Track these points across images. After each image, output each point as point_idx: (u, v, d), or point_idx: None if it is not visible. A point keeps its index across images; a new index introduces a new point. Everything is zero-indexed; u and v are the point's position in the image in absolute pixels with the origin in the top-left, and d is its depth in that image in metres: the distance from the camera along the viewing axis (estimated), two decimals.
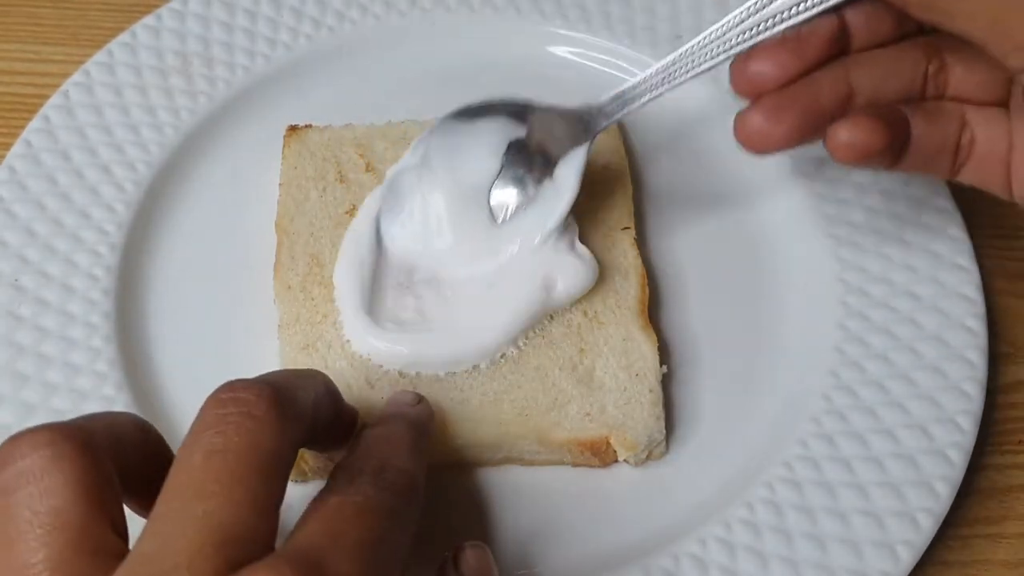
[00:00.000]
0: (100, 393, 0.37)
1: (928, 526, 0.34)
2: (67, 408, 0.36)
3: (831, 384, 0.37)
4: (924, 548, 0.34)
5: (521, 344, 0.37)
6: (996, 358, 0.39)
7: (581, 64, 0.47)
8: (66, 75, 0.45)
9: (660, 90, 0.35)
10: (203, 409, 0.25)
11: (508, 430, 0.36)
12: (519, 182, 0.37)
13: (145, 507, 0.26)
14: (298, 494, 0.35)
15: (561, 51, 0.48)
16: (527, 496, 0.36)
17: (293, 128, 0.43)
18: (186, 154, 0.44)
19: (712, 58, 0.33)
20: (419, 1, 0.48)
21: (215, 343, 0.39)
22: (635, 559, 0.34)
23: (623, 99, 0.36)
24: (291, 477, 0.36)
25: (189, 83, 0.45)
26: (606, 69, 0.47)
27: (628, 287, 0.39)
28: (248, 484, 0.23)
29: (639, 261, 0.39)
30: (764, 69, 0.31)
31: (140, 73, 0.45)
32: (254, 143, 0.44)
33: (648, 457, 0.36)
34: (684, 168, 0.45)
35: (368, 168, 0.42)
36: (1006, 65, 0.28)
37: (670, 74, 0.34)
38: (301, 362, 0.37)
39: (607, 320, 0.38)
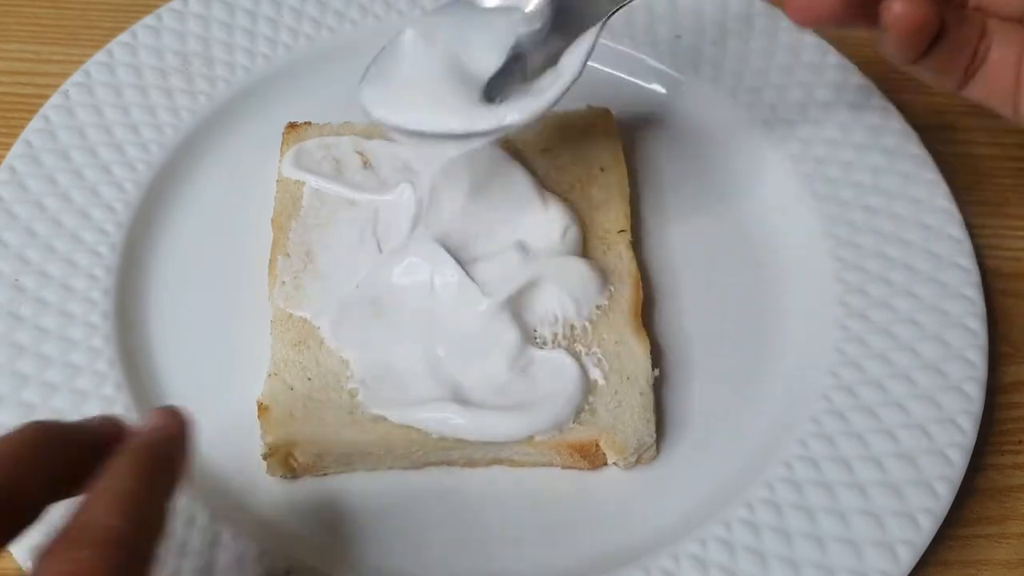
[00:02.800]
0: (100, 393, 0.37)
1: (928, 526, 0.34)
2: (67, 408, 0.36)
3: (831, 384, 0.38)
4: (924, 548, 0.34)
5: None
6: (996, 358, 0.39)
7: None
8: (66, 75, 0.45)
9: None
10: None
11: None
12: (520, 71, 0.35)
13: None
14: (300, 491, 0.36)
15: None
16: (518, 497, 0.36)
17: (293, 125, 0.43)
18: (186, 154, 0.44)
19: None
20: (419, 1, 0.48)
21: (215, 342, 0.39)
22: (631, 560, 0.34)
23: None
24: (280, 474, 0.36)
25: (189, 83, 0.45)
26: (605, 68, 0.47)
27: (622, 290, 0.39)
28: None
29: (634, 265, 0.40)
30: None
31: (140, 73, 0.45)
32: (254, 143, 0.44)
33: (638, 461, 0.36)
34: (682, 170, 0.45)
35: (365, 164, 0.42)
36: None
37: None
38: (292, 359, 0.37)
39: (600, 323, 0.38)
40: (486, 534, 0.35)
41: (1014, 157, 0.47)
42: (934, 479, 0.35)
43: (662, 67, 0.47)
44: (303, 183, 0.41)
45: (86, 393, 0.37)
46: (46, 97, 0.44)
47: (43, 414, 0.36)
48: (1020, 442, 0.39)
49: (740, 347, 0.40)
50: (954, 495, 0.35)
